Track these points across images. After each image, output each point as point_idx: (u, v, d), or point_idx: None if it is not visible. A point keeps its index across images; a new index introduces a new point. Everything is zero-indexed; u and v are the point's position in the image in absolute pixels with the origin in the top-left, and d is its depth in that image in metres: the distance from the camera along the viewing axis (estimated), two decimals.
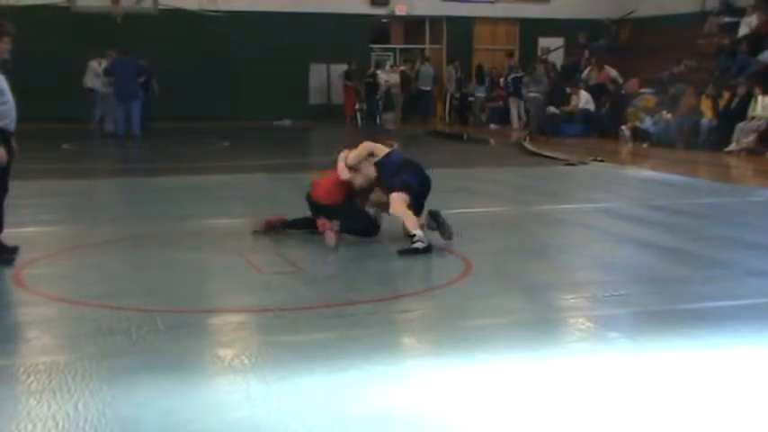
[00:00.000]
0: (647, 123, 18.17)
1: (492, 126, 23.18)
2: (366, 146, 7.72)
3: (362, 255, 7.18)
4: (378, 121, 24.74)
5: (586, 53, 23.27)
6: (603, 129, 19.76)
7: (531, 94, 21.50)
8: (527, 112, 22.02)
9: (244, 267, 6.68)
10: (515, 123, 22.56)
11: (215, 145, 18.28)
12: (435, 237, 7.34)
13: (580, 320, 5.31)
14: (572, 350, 4.77)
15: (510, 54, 25.52)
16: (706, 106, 17.36)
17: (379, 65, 25.42)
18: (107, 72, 19.37)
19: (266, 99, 24.07)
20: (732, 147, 16.08)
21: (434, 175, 7.98)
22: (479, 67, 24.82)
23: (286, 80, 24.20)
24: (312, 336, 4.92)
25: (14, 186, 6.29)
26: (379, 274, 6.66)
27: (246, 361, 4.48)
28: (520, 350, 4.68)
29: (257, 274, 6.50)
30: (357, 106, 25.05)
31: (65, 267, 6.73)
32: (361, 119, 24.89)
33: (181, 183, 11.81)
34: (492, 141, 19.33)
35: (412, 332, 5.21)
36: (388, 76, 24.89)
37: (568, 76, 22.72)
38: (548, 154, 15.85)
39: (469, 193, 9.93)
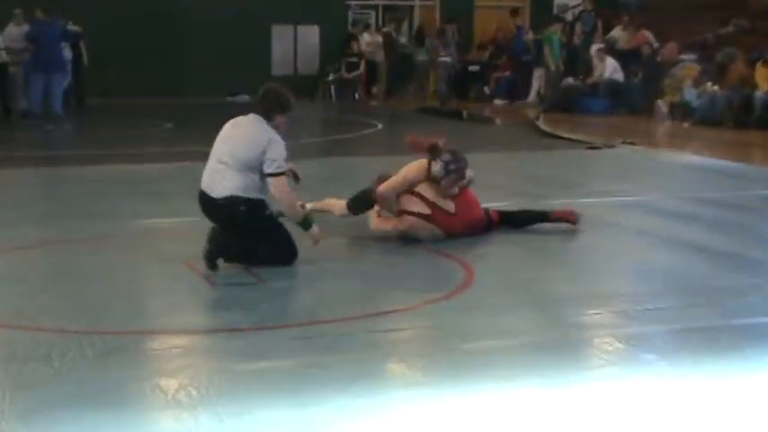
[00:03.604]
0: (689, 97, 18.22)
1: (497, 102, 23.20)
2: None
3: (340, 263, 7.17)
4: (356, 96, 24.71)
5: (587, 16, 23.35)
6: (634, 104, 19.81)
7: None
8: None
9: (191, 278, 6.65)
10: (532, 97, 22.66)
11: (156, 127, 18.22)
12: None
13: (607, 341, 5.32)
14: (598, 377, 4.77)
15: (514, 12, 25.51)
16: (761, 76, 17.40)
17: (364, 26, 25.39)
18: (29, 38, 19.23)
19: (219, 70, 23.98)
20: None
21: None
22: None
23: (243, 47, 24.13)
24: (275, 363, 4.91)
25: None
26: (360, 286, 6.65)
27: (195, 393, 4.47)
28: (533, 378, 4.68)
29: (208, 287, 6.48)
30: (330, 77, 25.02)
31: None
32: (335, 93, 24.85)
33: (113, 174, 11.78)
34: (498, 121, 19.35)
35: (399, 357, 5.21)
36: (371, 40, 24.89)
37: (590, 39, 22.76)
38: (566, 135, 15.88)
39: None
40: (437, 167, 7.79)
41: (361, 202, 8.10)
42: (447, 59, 23.12)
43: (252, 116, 7.02)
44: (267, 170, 6.79)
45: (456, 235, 7.77)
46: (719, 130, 16.68)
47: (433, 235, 7.76)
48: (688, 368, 4.83)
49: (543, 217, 8.38)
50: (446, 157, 7.84)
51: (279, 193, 6.86)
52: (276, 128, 6.95)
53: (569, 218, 8.32)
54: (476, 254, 7.34)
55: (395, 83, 25.47)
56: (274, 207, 7.01)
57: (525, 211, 8.49)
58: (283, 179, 6.88)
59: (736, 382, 4.66)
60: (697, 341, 5.30)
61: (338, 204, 8.22)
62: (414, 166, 7.97)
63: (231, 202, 6.80)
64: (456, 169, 7.85)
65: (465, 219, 7.89)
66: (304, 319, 5.68)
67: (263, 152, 6.77)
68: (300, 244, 6.99)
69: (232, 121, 7.12)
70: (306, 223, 7.01)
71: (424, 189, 7.85)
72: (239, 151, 6.82)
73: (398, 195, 7.87)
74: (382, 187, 7.88)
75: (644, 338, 5.34)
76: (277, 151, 6.81)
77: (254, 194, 6.82)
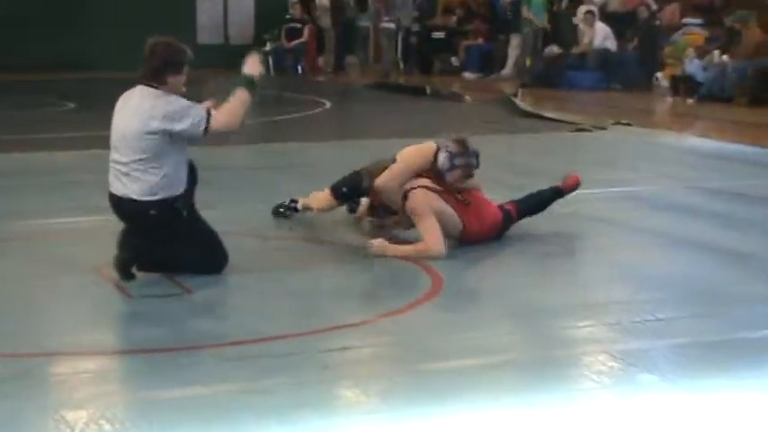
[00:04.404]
0: (693, 69, 18.34)
1: (467, 75, 23.23)
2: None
3: (282, 268, 7.16)
4: (299, 69, 24.66)
5: None
6: (629, 78, 19.92)
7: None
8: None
9: (103, 289, 6.63)
10: (509, 69, 22.68)
11: (55, 107, 18.08)
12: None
13: (600, 358, 5.36)
14: (588, 401, 4.81)
15: None
16: None
17: None
18: None
19: (131, 40, 23.69)
20: None
21: (382, 149, 7.98)
22: None
23: (160, 10, 24.01)
24: (205, 389, 4.90)
25: None
26: (306, 297, 6.64)
27: (108, 427, 4.46)
28: (511, 400, 4.72)
29: (123, 299, 6.45)
30: (268, 47, 24.96)
31: None
32: (274, 65, 24.78)
33: (5, 164, 11.68)
34: (468, 98, 19.37)
35: (353, 380, 5.21)
36: (317, 2, 24.86)
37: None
38: (550, 115, 15.95)
39: None
40: (442, 157, 7.66)
41: (350, 187, 8.09)
42: (390, 26, 22.98)
43: (138, 90, 6.81)
44: (198, 135, 6.72)
45: (469, 238, 7.65)
46: (730, 107, 16.79)
47: (454, 227, 7.61)
48: (693, 390, 4.88)
49: (558, 193, 8.36)
50: (453, 148, 7.70)
51: (225, 125, 6.81)
52: (173, 93, 6.76)
53: (577, 183, 8.36)
54: (445, 258, 7.32)
55: (342, 53, 25.45)
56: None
57: (538, 193, 8.37)
58: (216, 119, 6.74)
59: (749, 404, 4.72)
60: (703, 358, 5.36)
61: (320, 196, 8.25)
62: (417, 151, 7.85)
63: (138, 207, 6.72)
64: (463, 165, 7.71)
65: (477, 217, 7.73)
66: (239, 336, 5.66)
67: (169, 134, 6.61)
68: (233, 247, 6.97)
69: (121, 99, 6.94)
70: (249, 84, 7.07)
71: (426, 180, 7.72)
72: (130, 145, 6.68)
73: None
74: (381, 179, 7.78)
75: (642, 355, 5.38)
76: (185, 114, 6.65)
77: (163, 193, 6.70)
